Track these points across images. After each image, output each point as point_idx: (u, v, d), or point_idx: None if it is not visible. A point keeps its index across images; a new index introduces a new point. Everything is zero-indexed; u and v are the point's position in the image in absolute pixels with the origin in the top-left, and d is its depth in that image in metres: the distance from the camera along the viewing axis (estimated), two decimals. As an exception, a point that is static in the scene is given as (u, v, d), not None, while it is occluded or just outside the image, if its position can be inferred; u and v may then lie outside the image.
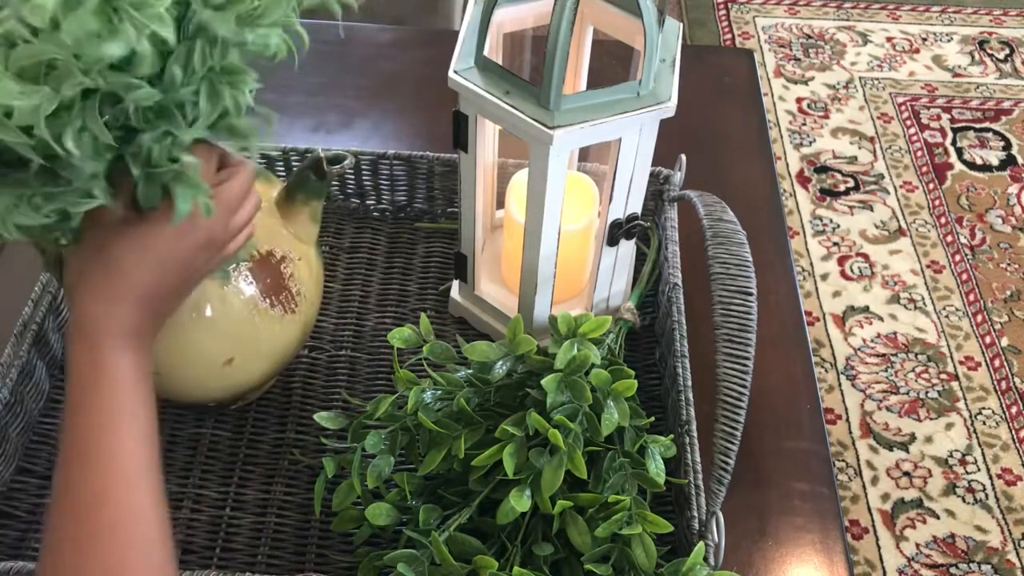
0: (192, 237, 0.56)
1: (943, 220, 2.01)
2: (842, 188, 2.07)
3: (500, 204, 0.92)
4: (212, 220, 0.56)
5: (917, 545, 1.51)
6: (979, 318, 1.83)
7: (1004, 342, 1.79)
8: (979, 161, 2.14)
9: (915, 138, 2.19)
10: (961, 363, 1.76)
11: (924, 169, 2.12)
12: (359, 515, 0.70)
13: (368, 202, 0.98)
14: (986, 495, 1.58)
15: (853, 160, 2.13)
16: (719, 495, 0.65)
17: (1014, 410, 1.69)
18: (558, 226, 0.77)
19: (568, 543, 0.65)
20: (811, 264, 1.92)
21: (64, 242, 0.56)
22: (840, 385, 1.72)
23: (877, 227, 1.99)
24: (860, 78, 2.34)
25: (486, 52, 0.73)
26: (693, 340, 0.80)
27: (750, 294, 0.64)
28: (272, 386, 0.84)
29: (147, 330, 0.56)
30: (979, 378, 1.74)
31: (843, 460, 1.62)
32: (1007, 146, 2.18)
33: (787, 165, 2.11)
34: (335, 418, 0.74)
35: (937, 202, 2.05)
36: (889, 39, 2.47)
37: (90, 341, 0.54)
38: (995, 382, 1.73)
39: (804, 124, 2.21)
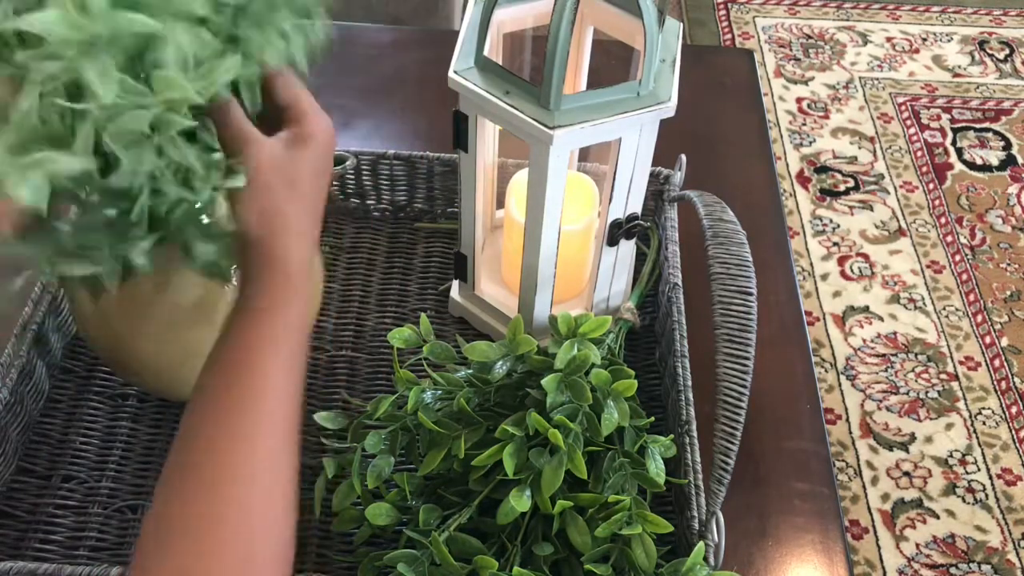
0: (332, 143, 0.57)
1: (943, 220, 2.01)
2: (842, 188, 2.07)
3: (500, 204, 0.92)
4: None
5: (917, 545, 1.51)
6: (979, 318, 1.83)
7: (1004, 342, 1.79)
8: (979, 161, 2.14)
9: (915, 138, 2.19)
10: (961, 363, 1.76)
11: (924, 169, 2.12)
12: (359, 515, 0.70)
13: (368, 202, 0.98)
14: (986, 495, 1.58)
15: (853, 160, 2.13)
16: (719, 495, 0.65)
17: (1014, 410, 1.69)
18: (558, 226, 0.77)
19: (568, 543, 0.65)
20: (811, 264, 1.92)
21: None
22: (840, 385, 1.72)
23: (877, 227, 1.99)
24: (860, 78, 2.34)
25: (486, 52, 0.73)
26: (693, 340, 0.80)
27: (750, 294, 0.64)
28: (272, 386, 0.84)
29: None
30: (979, 378, 1.74)
31: (843, 460, 1.62)
32: (1007, 146, 2.18)
33: (787, 165, 2.11)
34: (335, 418, 0.74)
35: (937, 202, 2.05)
36: (889, 39, 2.47)
37: (289, 282, 0.53)
38: (995, 382, 1.73)
39: (804, 124, 2.21)
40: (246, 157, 0.53)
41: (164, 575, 0.45)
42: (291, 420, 0.52)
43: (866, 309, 1.84)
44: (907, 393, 1.71)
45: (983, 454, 1.63)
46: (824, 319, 1.82)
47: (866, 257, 1.93)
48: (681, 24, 0.79)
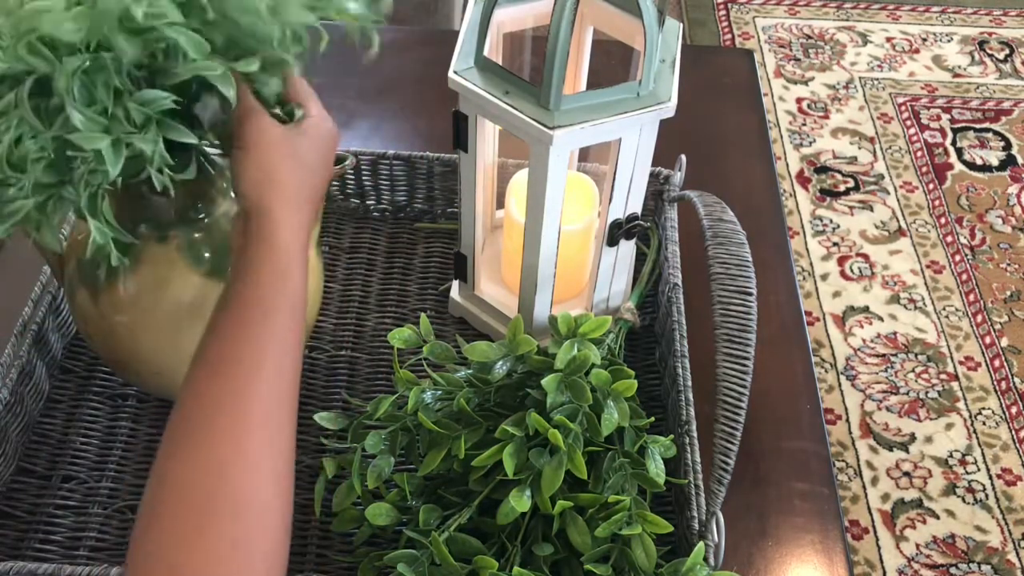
0: (333, 141, 0.61)
1: (943, 220, 2.01)
2: (842, 188, 2.07)
3: (500, 204, 0.92)
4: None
5: (917, 545, 1.51)
6: (979, 318, 1.83)
7: (1004, 342, 1.79)
8: (979, 161, 2.14)
9: (915, 138, 2.19)
10: (961, 363, 1.76)
11: (924, 169, 2.12)
12: (359, 515, 0.70)
13: (368, 202, 0.98)
14: (986, 495, 1.58)
15: (853, 160, 2.13)
16: (719, 495, 0.65)
17: (1014, 410, 1.69)
18: (558, 226, 0.77)
19: (568, 543, 0.65)
20: (811, 264, 1.92)
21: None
22: (840, 385, 1.72)
23: (877, 227, 1.99)
24: (860, 78, 2.34)
25: (486, 52, 0.73)
26: (693, 340, 0.80)
27: (750, 294, 0.64)
28: (272, 386, 0.84)
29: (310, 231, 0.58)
30: (979, 378, 1.74)
31: (843, 460, 1.62)
32: (1007, 146, 2.18)
33: (787, 165, 2.11)
34: (335, 418, 0.74)
35: (937, 202, 2.05)
36: (889, 39, 2.47)
37: (284, 251, 0.53)
38: (995, 382, 1.73)
39: (804, 124, 2.21)
40: (248, 127, 0.55)
41: (153, 565, 0.45)
42: (286, 403, 0.51)
43: (866, 309, 1.84)
44: (907, 393, 1.71)
45: (983, 454, 1.63)
46: (824, 319, 1.82)
47: (866, 257, 1.93)
48: (681, 24, 0.79)
